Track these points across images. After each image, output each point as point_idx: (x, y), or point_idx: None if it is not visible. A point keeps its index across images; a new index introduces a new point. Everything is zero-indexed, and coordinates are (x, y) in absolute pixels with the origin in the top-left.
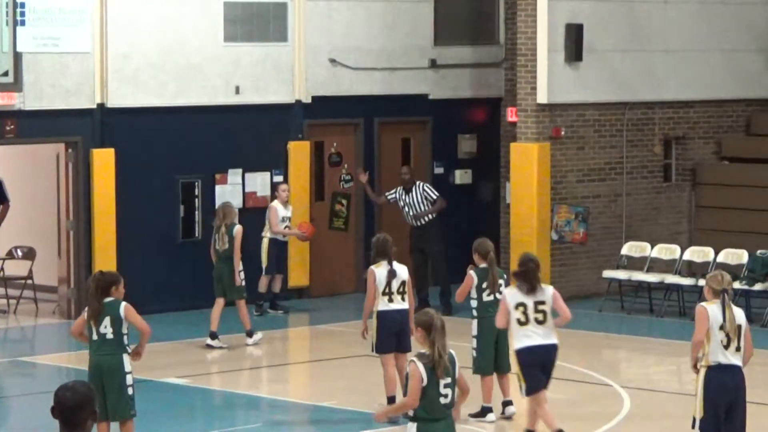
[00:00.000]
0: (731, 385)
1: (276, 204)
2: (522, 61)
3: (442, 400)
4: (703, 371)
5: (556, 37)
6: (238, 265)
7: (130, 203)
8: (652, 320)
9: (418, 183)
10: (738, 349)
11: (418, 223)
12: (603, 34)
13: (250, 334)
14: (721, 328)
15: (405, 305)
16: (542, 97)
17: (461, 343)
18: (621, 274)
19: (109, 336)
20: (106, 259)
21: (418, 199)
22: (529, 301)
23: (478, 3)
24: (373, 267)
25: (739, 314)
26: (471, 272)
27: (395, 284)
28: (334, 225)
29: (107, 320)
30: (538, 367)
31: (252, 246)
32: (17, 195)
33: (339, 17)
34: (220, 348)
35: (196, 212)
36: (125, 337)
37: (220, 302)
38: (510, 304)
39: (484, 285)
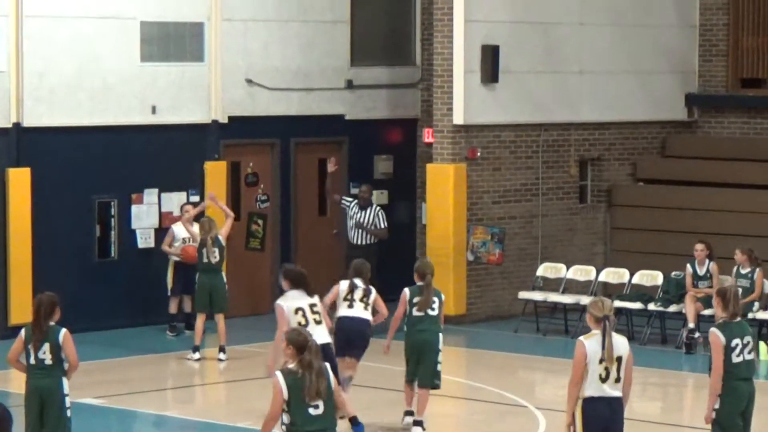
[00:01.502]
0: (607, 416)
1: (176, 225)
2: (438, 82)
3: (312, 411)
4: (579, 402)
5: (472, 58)
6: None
7: (46, 223)
8: (567, 341)
9: (374, 206)
10: (618, 380)
11: (359, 242)
12: (519, 56)
13: (222, 350)
14: (601, 361)
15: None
16: (458, 118)
17: (376, 365)
18: (536, 295)
19: (48, 362)
20: (21, 279)
21: (368, 220)
22: (305, 305)
23: (394, 24)
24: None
25: (620, 344)
26: (405, 289)
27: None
28: (251, 245)
29: (47, 346)
30: None
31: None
32: None
33: (255, 37)
34: (198, 360)
35: (112, 232)
36: (64, 363)
37: (202, 316)
38: (289, 310)
39: (415, 300)
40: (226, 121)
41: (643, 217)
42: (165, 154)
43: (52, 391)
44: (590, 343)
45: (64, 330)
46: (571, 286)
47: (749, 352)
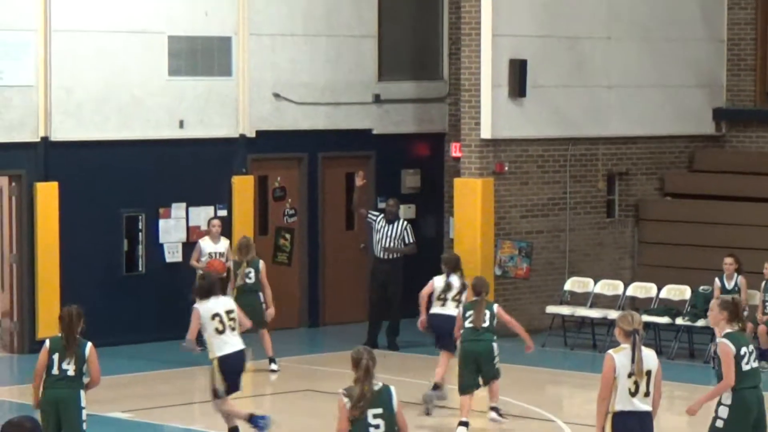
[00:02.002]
0: (637, 430)
1: (203, 240)
2: (466, 97)
3: (373, 431)
4: (609, 417)
5: (499, 72)
6: (269, 296)
7: (74, 237)
8: (595, 356)
9: (402, 220)
10: (647, 394)
11: (386, 257)
12: (546, 70)
13: (272, 360)
14: (630, 375)
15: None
16: (486, 133)
17: (404, 379)
18: (564, 310)
19: (70, 373)
20: (49, 293)
21: (395, 234)
22: (222, 310)
23: (422, 38)
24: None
25: (650, 358)
26: (460, 306)
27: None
28: (278, 259)
29: (72, 357)
30: (237, 372)
31: None
32: None
33: (283, 52)
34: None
35: (140, 246)
36: (84, 376)
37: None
38: (205, 315)
39: (468, 314)
40: (253, 135)
41: (671, 232)
42: (192, 168)
43: (69, 402)
44: (619, 357)
45: (90, 344)
46: (598, 301)
47: (754, 360)
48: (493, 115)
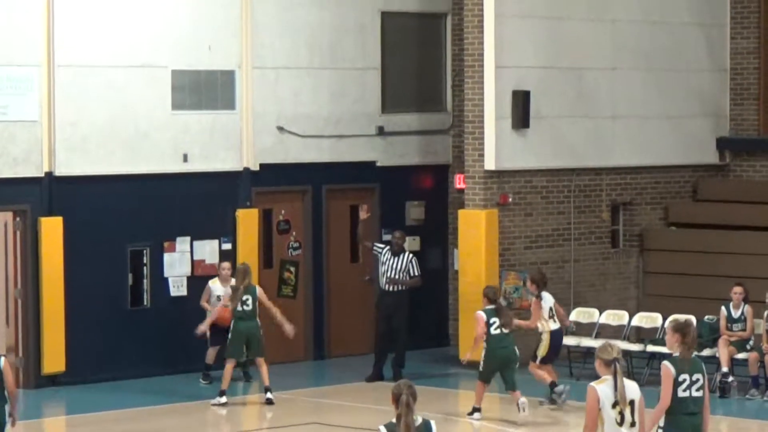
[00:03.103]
0: None
1: (212, 282)
2: (469, 128)
3: None
4: None
5: (503, 104)
6: (279, 315)
7: (79, 271)
8: None
9: (407, 252)
10: (633, 424)
11: (391, 289)
12: (550, 101)
13: (268, 390)
14: (615, 405)
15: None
16: (490, 164)
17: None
18: (569, 340)
19: None
20: (54, 327)
21: (401, 267)
22: None
23: (425, 70)
24: None
25: (631, 388)
26: (480, 312)
27: None
28: (283, 293)
29: None
30: None
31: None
32: None
33: (286, 85)
34: (224, 404)
35: (145, 280)
36: (4, 391)
37: (233, 362)
38: None
39: (492, 321)
40: (257, 168)
41: (676, 261)
42: (197, 202)
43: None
44: (602, 387)
45: (3, 358)
46: (603, 331)
47: (697, 390)
48: (496, 146)
